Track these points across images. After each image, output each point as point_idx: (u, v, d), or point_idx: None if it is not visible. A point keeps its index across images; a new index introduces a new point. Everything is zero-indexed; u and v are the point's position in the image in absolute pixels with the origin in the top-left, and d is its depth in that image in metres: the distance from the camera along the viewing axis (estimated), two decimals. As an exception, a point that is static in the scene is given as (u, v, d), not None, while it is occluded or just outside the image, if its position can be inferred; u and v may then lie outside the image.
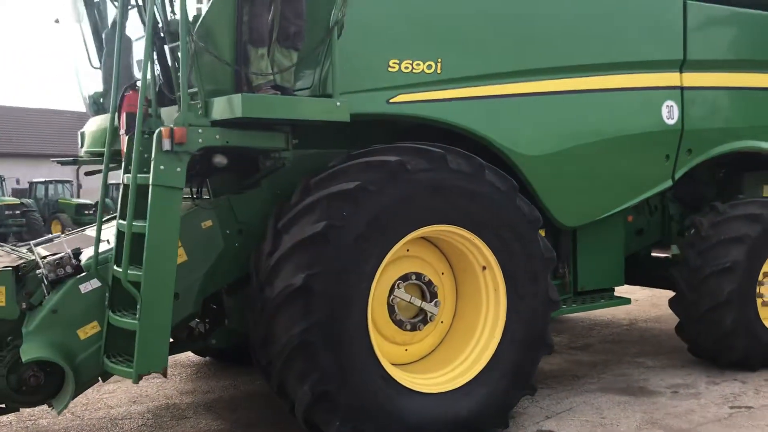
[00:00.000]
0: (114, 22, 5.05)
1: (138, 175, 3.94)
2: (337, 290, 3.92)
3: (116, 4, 4.97)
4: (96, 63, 5.52)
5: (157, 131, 3.80)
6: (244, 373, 6.18)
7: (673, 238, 6.66)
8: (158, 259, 3.78)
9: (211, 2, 3.97)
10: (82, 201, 30.83)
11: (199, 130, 3.89)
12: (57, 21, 5.43)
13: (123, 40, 5.01)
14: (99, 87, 5.51)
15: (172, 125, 3.82)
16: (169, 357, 4.08)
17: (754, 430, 4.53)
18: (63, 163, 5.96)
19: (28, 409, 5.03)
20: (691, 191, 6.56)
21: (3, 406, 4.21)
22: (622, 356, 6.58)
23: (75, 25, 5.59)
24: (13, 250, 5.12)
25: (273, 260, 4.05)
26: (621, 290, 6.30)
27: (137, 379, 3.78)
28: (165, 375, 3.87)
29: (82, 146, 5.21)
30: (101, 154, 5.04)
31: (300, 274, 3.86)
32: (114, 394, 5.73)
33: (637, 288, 6.47)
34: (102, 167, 5.60)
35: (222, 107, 3.89)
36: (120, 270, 3.91)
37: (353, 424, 3.98)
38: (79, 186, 34.89)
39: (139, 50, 4.81)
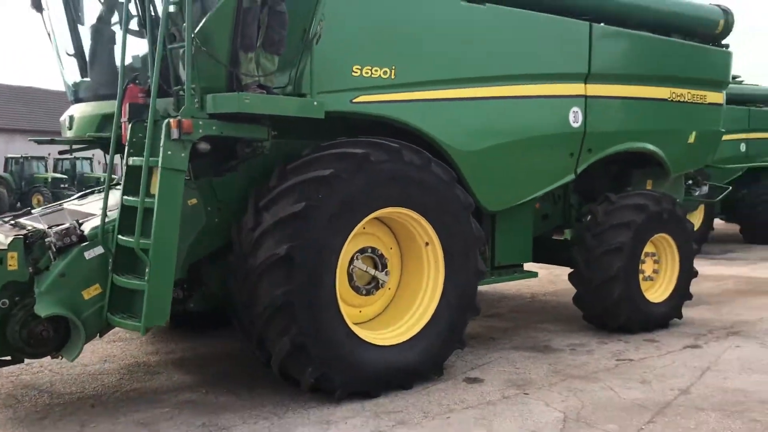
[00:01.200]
0: (100, 17, 5.58)
1: (139, 158, 4.57)
2: (313, 260, 4.73)
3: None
4: (71, 51, 5.99)
5: (165, 122, 4.45)
6: (198, 337, 6.85)
7: (572, 223, 7.82)
8: (165, 229, 4.45)
9: (212, 11, 4.64)
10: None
11: (200, 122, 4.57)
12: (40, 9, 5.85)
13: (107, 33, 5.60)
14: (75, 74, 6.00)
15: (178, 116, 4.48)
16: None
17: (634, 375, 5.68)
18: (40, 142, 6.39)
19: (8, 368, 5.54)
20: (588, 184, 7.70)
21: (8, 358, 4.75)
22: (528, 323, 7.69)
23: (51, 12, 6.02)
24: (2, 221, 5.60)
25: (257, 234, 4.79)
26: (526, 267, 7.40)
27: (145, 332, 4.46)
28: (168, 325, 4.53)
29: (70, 129, 5.68)
30: (88, 138, 5.61)
31: (283, 245, 4.63)
32: (83, 355, 6.11)
33: (535, 266, 7.57)
34: (65, 147, 6.23)
35: (221, 102, 4.59)
36: (125, 239, 4.56)
37: (323, 371, 4.81)
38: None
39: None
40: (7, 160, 33.01)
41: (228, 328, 7.04)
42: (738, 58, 8.59)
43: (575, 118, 6.76)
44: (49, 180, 32.28)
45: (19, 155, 33.21)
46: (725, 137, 14.03)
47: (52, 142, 6.29)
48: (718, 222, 16.29)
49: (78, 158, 35.01)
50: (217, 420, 4.69)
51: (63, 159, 35.16)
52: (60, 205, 6.09)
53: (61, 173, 33.74)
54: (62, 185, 32.22)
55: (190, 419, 4.71)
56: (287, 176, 4.93)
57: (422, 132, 5.69)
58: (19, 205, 31.28)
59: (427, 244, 5.46)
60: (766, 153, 15.71)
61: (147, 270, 4.43)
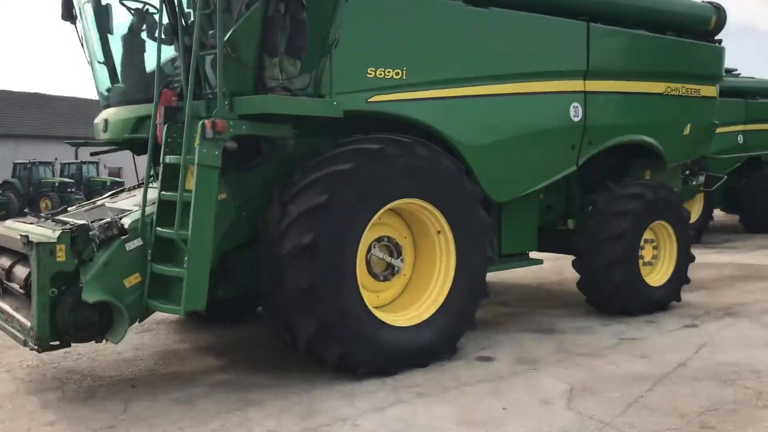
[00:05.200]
0: (131, 27, 5.98)
1: (175, 157, 4.98)
2: (336, 247, 5.13)
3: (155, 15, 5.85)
4: (101, 58, 6.39)
5: (200, 122, 4.86)
6: (223, 327, 7.25)
7: (575, 212, 8.22)
8: (202, 220, 4.85)
9: (240, 21, 5.05)
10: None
11: (231, 122, 4.98)
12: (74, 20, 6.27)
13: (137, 43, 6.02)
14: (106, 80, 6.41)
15: (212, 118, 4.89)
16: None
17: (635, 352, 6.08)
18: (73, 145, 6.79)
19: (49, 356, 5.97)
20: (590, 175, 8.09)
21: (57, 342, 5.16)
22: (534, 308, 8.09)
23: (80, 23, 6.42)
24: (36, 217, 6.03)
25: (283, 225, 5.19)
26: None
27: (185, 314, 4.86)
28: (204, 314, 4.94)
29: (105, 132, 6.08)
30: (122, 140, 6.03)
31: (308, 234, 5.04)
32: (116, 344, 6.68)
33: (540, 255, 7.97)
34: (101, 149, 6.65)
35: (250, 104, 5.01)
36: (164, 230, 4.96)
37: (346, 350, 5.22)
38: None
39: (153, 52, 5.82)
40: (15, 165, 33.46)
41: (248, 317, 7.52)
42: (734, 53, 9.00)
43: (575, 112, 7.16)
44: (57, 184, 32.70)
45: (27, 161, 33.67)
46: (723, 129, 14.65)
47: (85, 144, 6.70)
48: (717, 213, 16.68)
49: (84, 162, 35.52)
50: (250, 396, 5.09)
51: (69, 164, 35.63)
52: (95, 202, 6.50)
53: (68, 178, 34.15)
54: (69, 189, 32.64)
55: (225, 396, 5.12)
56: (310, 171, 5.33)
57: (431, 128, 6.08)
58: (27, 210, 31.72)
59: (438, 232, 5.86)
60: (762, 144, 16.13)
61: (186, 258, 4.84)
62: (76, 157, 38.02)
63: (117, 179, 35.41)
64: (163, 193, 5.10)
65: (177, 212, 4.88)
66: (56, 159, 35.40)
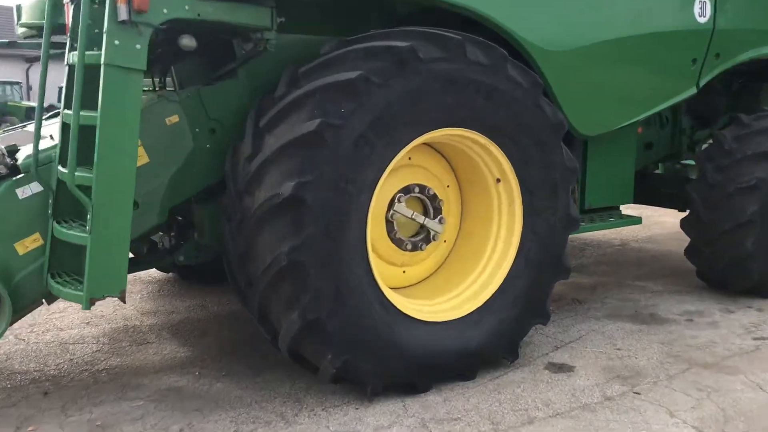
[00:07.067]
0: None
1: (87, 53, 3.12)
2: (333, 202, 3.25)
3: None
4: None
5: (109, -5, 2.99)
6: (213, 293, 5.59)
7: (682, 153, 6.15)
8: (114, 157, 3.04)
9: None
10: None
11: (164, -4, 3.09)
12: None
13: None
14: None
15: (128, -12, 3.01)
16: (129, 273, 3.41)
17: (787, 365, 4.10)
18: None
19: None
20: (706, 102, 5.97)
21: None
22: (622, 279, 6.11)
23: None
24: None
25: (254, 165, 3.34)
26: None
27: (88, 305, 3.09)
28: (123, 299, 3.20)
29: (18, 20, 4.30)
30: (40, 28, 4.20)
31: (289, 182, 3.18)
32: (64, 314, 5.08)
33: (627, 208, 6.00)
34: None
35: (192, -33, 3.09)
36: (65, 171, 3.17)
37: (348, 356, 3.40)
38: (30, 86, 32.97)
39: None
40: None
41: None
42: None
43: (702, 10, 4.99)
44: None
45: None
46: None
47: (10, 45, 4.94)
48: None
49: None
50: (202, 424, 3.36)
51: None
52: (24, 125, 4.77)
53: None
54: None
55: (164, 420, 3.40)
56: (299, 83, 3.44)
57: (494, 23, 4.04)
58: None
59: (498, 180, 3.92)
60: None
61: (89, 216, 3.05)
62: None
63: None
64: (66, 112, 3.29)
65: (71, 142, 3.06)
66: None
